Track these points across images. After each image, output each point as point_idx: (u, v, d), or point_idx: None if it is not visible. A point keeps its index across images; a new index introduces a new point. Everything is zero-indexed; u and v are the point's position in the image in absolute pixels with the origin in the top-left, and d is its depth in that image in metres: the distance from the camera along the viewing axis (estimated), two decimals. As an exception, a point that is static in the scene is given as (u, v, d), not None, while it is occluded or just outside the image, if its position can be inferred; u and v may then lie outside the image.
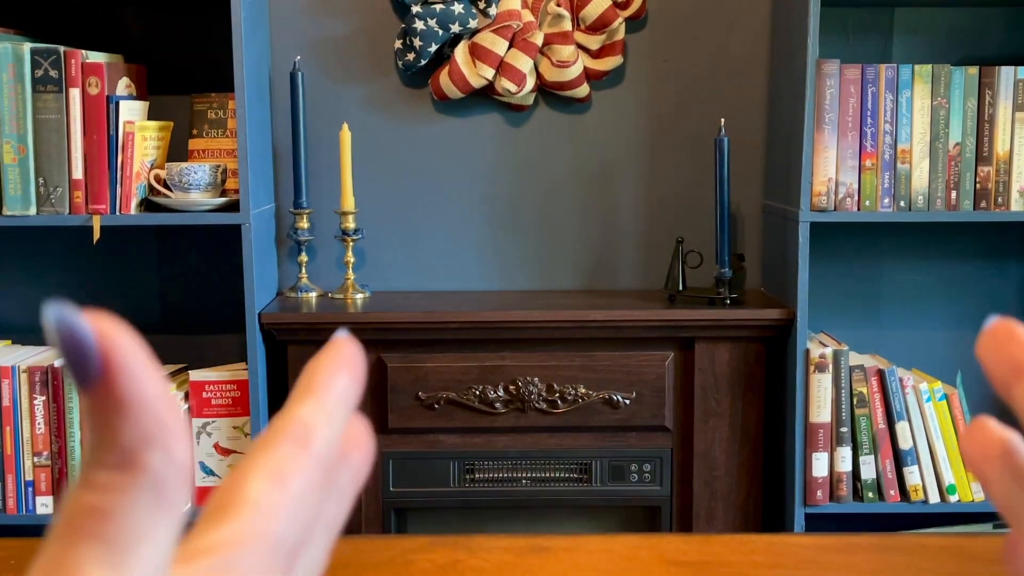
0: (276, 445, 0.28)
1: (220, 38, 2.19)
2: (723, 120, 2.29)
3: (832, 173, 2.19)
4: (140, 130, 2.22)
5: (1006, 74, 2.19)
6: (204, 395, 2.24)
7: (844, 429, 2.20)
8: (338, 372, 0.31)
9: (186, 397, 2.26)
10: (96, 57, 2.19)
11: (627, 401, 2.24)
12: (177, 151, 2.37)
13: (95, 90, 2.15)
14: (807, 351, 2.19)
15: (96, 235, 2.17)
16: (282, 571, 0.28)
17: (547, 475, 2.29)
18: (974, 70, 2.19)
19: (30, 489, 2.22)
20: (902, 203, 2.21)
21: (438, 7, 2.35)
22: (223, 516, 0.27)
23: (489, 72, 2.37)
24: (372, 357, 2.22)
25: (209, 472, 2.26)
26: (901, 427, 2.21)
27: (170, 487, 0.25)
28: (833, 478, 2.21)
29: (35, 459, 2.21)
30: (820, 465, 2.19)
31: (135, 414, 0.24)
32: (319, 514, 0.30)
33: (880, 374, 2.21)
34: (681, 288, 2.32)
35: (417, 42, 2.37)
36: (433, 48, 2.37)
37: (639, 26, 2.46)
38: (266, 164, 2.39)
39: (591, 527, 2.40)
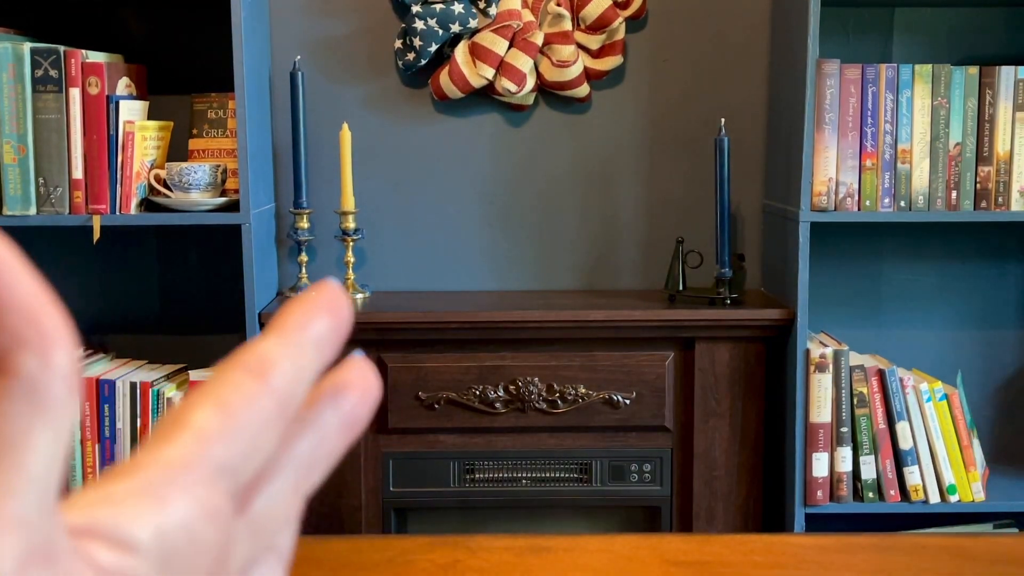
0: (229, 375, 0.27)
1: (220, 38, 2.18)
2: (723, 120, 2.29)
3: (832, 173, 2.19)
4: (140, 130, 2.22)
5: (1006, 74, 2.19)
6: (204, 395, 2.23)
7: (844, 429, 2.20)
8: (315, 314, 0.29)
9: (186, 397, 2.25)
10: (96, 57, 2.19)
11: (627, 401, 2.24)
12: (177, 151, 2.37)
13: (95, 90, 2.15)
14: (807, 351, 2.19)
15: (96, 235, 2.17)
16: (229, 502, 0.26)
17: (547, 475, 2.28)
18: (974, 70, 2.19)
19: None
20: (902, 203, 2.20)
21: (438, 7, 2.35)
22: (163, 439, 0.26)
23: (489, 72, 2.37)
24: (372, 357, 2.22)
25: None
26: (901, 427, 2.20)
27: (48, 393, 0.22)
28: (833, 478, 2.20)
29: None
30: (820, 465, 2.19)
31: (2, 316, 0.22)
32: (287, 451, 0.29)
33: (880, 374, 2.21)
34: (681, 288, 2.32)
35: (417, 42, 2.36)
36: (433, 48, 2.37)
37: (639, 26, 2.46)
38: (266, 164, 2.39)
39: (591, 527, 2.40)
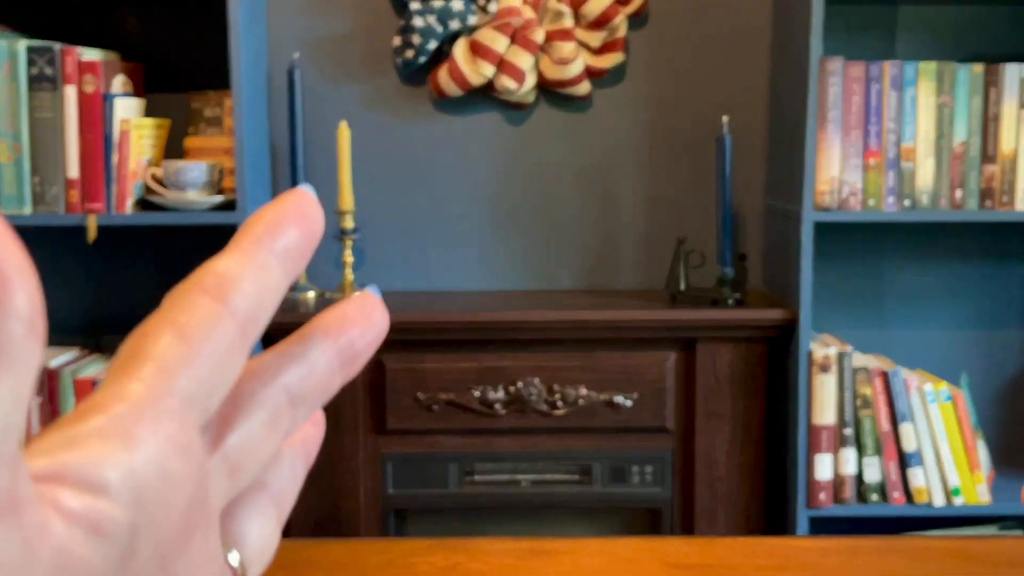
0: (187, 297, 0.25)
1: (217, 35, 2.17)
2: (725, 118, 2.28)
3: (836, 172, 2.17)
4: (136, 128, 2.20)
5: (1012, 72, 2.17)
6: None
7: (848, 431, 2.18)
8: (281, 225, 0.27)
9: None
10: (92, 55, 2.17)
11: (628, 402, 2.22)
12: (174, 149, 2.36)
13: (91, 88, 2.13)
14: (810, 352, 2.17)
15: (92, 235, 2.16)
16: (199, 435, 0.24)
17: (547, 477, 2.27)
18: (979, 68, 2.18)
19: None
20: (906, 202, 2.19)
21: (437, 4, 2.34)
22: (123, 373, 0.24)
23: (489, 69, 2.35)
24: (371, 358, 2.20)
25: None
26: (906, 428, 2.18)
27: (7, 338, 0.21)
28: (837, 480, 2.19)
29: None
30: (823, 467, 2.17)
31: None
32: (265, 384, 0.27)
33: (884, 375, 2.19)
34: (683, 288, 2.30)
35: (416, 39, 2.35)
36: (432, 45, 2.36)
37: (640, 23, 2.45)
38: (263, 163, 2.38)
39: (592, 529, 2.38)
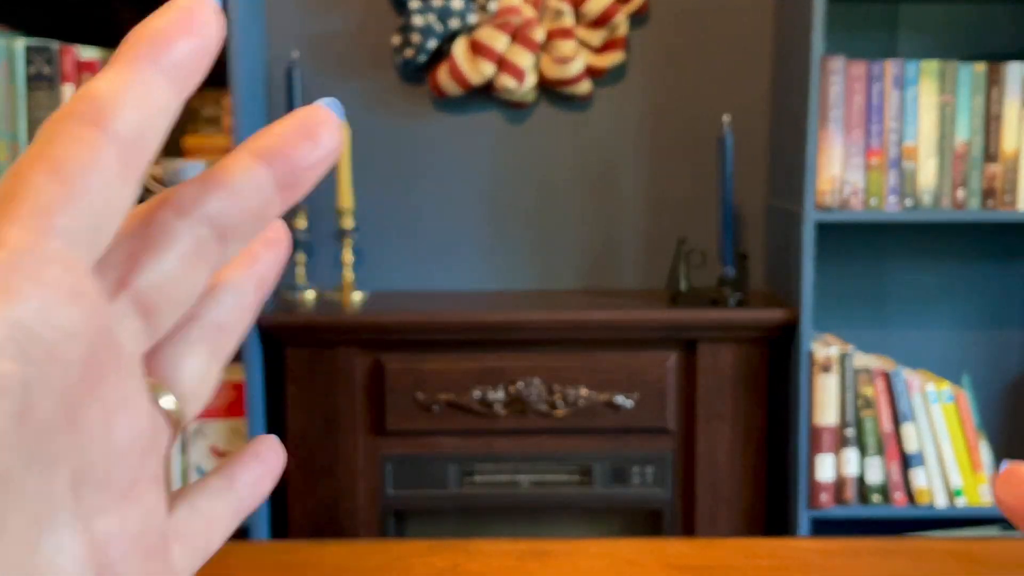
0: (60, 128, 0.23)
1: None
2: (726, 117, 2.27)
3: (837, 171, 2.16)
4: (135, 127, 2.19)
5: (1014, 70, 2.16)
6: (199, 396, 2.21)
7: (850, 431, 2.17)
8: (168, 37, 0.24)
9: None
10: (90, 53, 2.17)
11: (629, 403, 2.21)
12: (172, 149, 2.35)
13: (89, 87, 2.12)
14: (811, 352, 2.16)
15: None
16: (90, 278, 0.23)
17: (547, 478, 2.26)
18: (981, 66, 2.17)
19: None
20: (908, 201, 2.18)
21: (437, 2, 2.33)
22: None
23: (489, 68, 2.35)
24: (370, 358, 2.20)
25: (204, 475, 2.23)
26: (908, 429, 2.18)
27: None
28: (838, 481, 2.18)
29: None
30: (825, 468, 2.16)
31: None
32: (181, 215, 0.25)
33: (886, 376, 2.18)
34: (683, 288, 2.29)
35: (416, 38, 2.34)
36: (432, 44, 2.35)
37: (641, 22, 2.44)
38: (263, 162, 2.37)
39: (592, 531, 2.38)
